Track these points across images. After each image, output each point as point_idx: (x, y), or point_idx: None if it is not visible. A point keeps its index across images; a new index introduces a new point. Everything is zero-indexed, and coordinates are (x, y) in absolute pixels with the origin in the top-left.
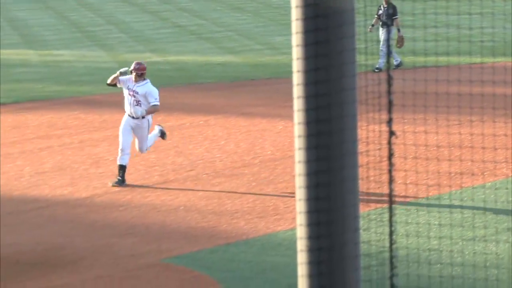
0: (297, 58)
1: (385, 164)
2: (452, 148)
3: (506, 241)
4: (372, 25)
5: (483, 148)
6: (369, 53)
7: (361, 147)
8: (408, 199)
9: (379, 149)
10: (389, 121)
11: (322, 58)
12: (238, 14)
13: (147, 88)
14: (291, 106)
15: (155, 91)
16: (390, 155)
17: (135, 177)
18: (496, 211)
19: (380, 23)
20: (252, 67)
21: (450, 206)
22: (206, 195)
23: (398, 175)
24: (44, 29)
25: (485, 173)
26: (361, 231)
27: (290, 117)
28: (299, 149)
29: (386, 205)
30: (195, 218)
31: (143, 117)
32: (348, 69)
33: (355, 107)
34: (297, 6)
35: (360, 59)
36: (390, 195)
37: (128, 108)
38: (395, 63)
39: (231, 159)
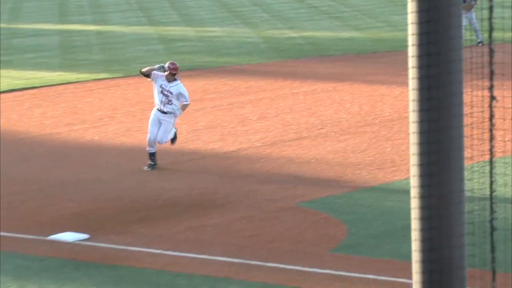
0: (412, 34)
1: (486, 124)
2: None
3: None
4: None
5: None
6: (473, 30)
7: (466, 110)
8: (506, 154)
9: (482, 111)
10: (491, 87)
11: (433, 34)
12: None
13: (180, 89)
14: (406, 75)
15: (186, 92)
16: (491, 117)
17: (274, 134)
18: None
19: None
20: (374, 42)
21: None
22: (333, 149)
23: (497, 134)
24: (200, 10)
25: None
26: (465, 181)
27: (405, 84)
28: (413, 111)
29: (487, 159)
30: (325, 168)
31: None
32: (455, 43)
33: (461, 76)
34: None
35: (465, 35)
36: (491, 151)
37: (158, 103)
38: (478, 40)
39: (355, 119)
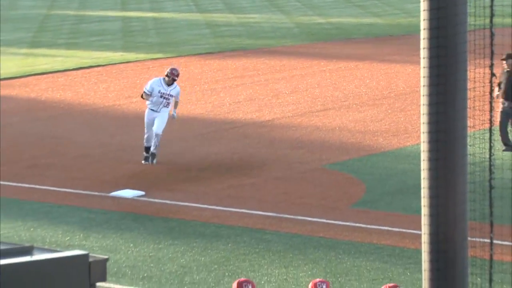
0: (424, 19)
1: (487, 97)
2: None
3: None
4: None
5: None
6: (477, 15)
7: (469, 85)
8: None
9: (483, 86)
10: (491, 66)
11: (442, 20)
12: None
13: (177, 89)
14: (418, 55)
15: (179, 91)
16: (491, 91)
17: (303, 106)
18: None
19: None
20: (391, 26)
21: None
22: (354, 119)
23: (496, 105)
24: (244, 1)
25: None
26: (468, 146)
27: (417, 63)
28: (424, 86)
29: (487, 127)
30: (347, 135)
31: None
32: (460, 28)
33: (466, 55)
34: None
35: (470, 20)
36: (491, 120)
37: (155, 106)
38: None
39: (373, 93)
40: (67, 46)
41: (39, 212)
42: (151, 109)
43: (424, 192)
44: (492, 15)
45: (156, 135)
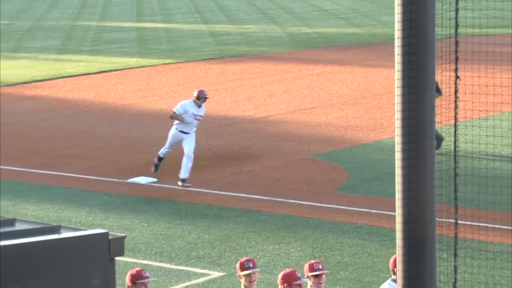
0: (398, 30)
1: (452, 97)
2: (496, 86)
3: None
4: None
5: None
6: (444, 26)
7: None
8: (466, 119)
9: (448, 87)
10: (456, 70)
11: (413, 30)
12: (361, 2)
13: (204, 109)
14: (393, 60)
15: None
16: (456, 91)
17: (294, 105)
18: None
19: None
20: (370, 36)
21: (494, 125)
22: (338, 116)
23: (460, 104)
24: (240, 12)
25: None
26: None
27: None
28: (398, 87)
29: (452, 123)
30: (331, 130)
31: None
32: (429, 37)
33: (434, 61)
34: None
35: (438, 30)
36: (455, 117)
37: (186, 128)
38: None
39: (354, 93)
40: (90, 52)
41: (65, 196)
42: (180, 131)
43: (398, 178)
44: (457, 26)
45: (189, 157)
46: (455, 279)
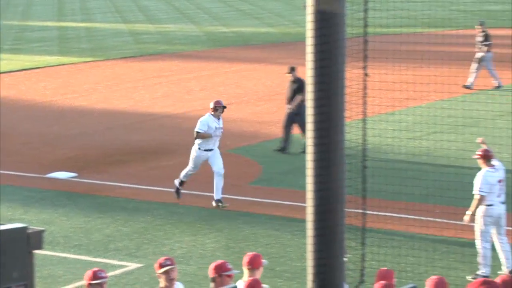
0: (309, 29)
1: (361, 93)
2: (402, 83)
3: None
4: None
5: (419, 83)
6: (353, 26)
7: (347, 83)
8: (374, 114)
9: (358, 84)
10: (364, 67)
11: (324, 29)
12: (275, 3)
13: (222, 120)
14: (305, 58)
15: None
16: (364, 87)
17: (211, 101)
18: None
19: None
20: (283, 35)
21: (400, 120)
22: (252, 111)
23: (369, 100)
24: (159, 12)
25: (421, 98)
26: (345, 133)
27: (305, 65)
28: (310, 84)
29: (361, 118)
30: (246, 125)
31: None
32: (339, 36)
33: (344, 58)
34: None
35: (347, 29)
36: (364, 112)
37: (210, 145)
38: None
39: (268, 90)
40: (11, 51)
41: None
42: (204, 150)
43: (309, 171)
44: (365, 26)
45: (220, 175)
46: (363, 267)
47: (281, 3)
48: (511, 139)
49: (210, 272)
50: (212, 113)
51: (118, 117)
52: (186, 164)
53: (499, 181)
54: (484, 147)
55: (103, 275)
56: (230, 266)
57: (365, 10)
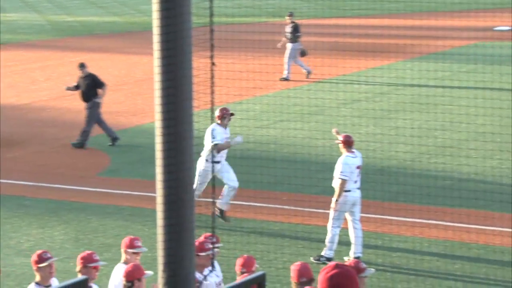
0: (155, 18)
1: (208, 82)
2: (249, 72)
3: None
4: None
5: (265, 72)
6: (199, 15)
7: (194, 72)
8: (222, 103)
9: (205, 73)
10: (211, 56)
11: (170, 19)
12: None
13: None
14: (152, 48)
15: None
16: (212, 77)
17: (57, 91)
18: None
19: None
20: (129, 24)
21: (248, 109)
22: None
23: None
24: (1, 1)
25: (267, 87)
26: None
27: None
28: (157, 73)
29: (209, 107)
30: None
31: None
32: (185, 25)
33: (190, 47)
34: None
35: (194, 19)
36: (212, 101)
37: (220, 157)
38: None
39: (115, 80)
40: None
41: None
42: (213, 162)
43: (158, 161)
44: (211, 15)
45: (235, 188)
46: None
47: None
48: (355, 126)
49: (78, 262)
50: (219, 122)
51: None
52: (34, 155)
53: (358, 167)
54: (339, 137)
55: (49, 255)
56: (97, 257)
57: (211, 1)
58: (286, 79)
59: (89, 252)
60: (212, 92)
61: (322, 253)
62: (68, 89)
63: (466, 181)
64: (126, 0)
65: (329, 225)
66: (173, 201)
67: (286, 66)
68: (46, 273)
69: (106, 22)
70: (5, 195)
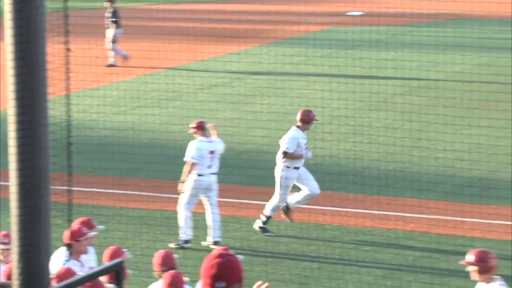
0: (7, 4)
1: (63, 69)
2: (106, 57)
3: None
4: None
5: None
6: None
7: (48, 58)
8: (78, 90)
9: (60, 59)
10: (66, 42)
11: (21, 4)
12: None
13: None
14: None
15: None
16: (67, 63)
17: None
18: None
19: None
20: None
21: (105, 95)
22: None
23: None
24: None
25: (124, 72)
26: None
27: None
28: (11, 60)
29: (64, 94)
30: None
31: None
32: (39, 10)
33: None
34: None
35: (48, 4)
36: (67, 88)
37: (299, 162)
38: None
39: None
40: None
41: None
42: (294, 168)
43: (12, 149)
44: (66, 1)
45: (317, 195)
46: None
47: None
48: (213, 112)
49: (65, 239)
50: (300, 125)
51: None
52: None
53: (211, 152)
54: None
55: (7, 240)
56: (86, 230)
57: None
58: (113, 65)
59: (78, 226)
60: (68, 78)
61: (180, 238)
62: None
63: (321, 164)
64: None
65: (180, 208)
66: (28, 189)
67: (111, 53)
68: None
69: None
70: None
